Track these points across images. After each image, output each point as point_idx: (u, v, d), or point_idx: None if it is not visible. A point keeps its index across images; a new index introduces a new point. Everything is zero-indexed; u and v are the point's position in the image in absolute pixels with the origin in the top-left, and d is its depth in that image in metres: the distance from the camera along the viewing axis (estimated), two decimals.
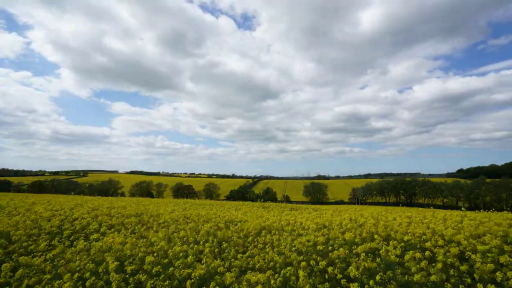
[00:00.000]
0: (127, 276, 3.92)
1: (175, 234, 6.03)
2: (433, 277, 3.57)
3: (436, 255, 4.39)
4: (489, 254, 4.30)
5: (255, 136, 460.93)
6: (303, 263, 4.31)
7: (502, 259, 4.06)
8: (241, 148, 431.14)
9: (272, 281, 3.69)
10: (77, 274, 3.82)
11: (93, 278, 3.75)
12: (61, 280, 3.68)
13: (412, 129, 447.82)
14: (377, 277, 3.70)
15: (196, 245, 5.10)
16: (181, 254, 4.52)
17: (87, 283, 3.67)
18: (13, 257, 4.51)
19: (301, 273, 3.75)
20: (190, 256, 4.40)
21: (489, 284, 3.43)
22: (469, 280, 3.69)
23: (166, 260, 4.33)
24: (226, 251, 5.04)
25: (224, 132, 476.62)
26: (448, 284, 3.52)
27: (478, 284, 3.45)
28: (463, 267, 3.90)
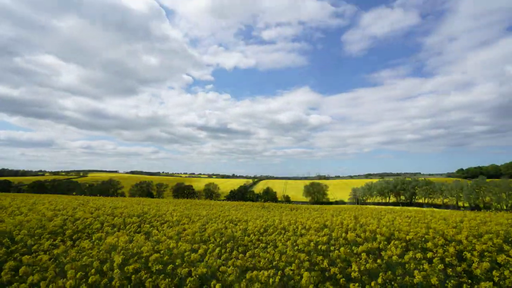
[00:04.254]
0: (129, 274, 3.96)
1: (182, 233, 6.08)
2: (433, 279, 3.58)
3: (437, 254, 4.43)
4: (486, 254, 4.33)
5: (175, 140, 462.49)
6: (306, 263, 4.33)
7: (499, 259, 4.09)
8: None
9: (271, 280, 3.72)
10: (79, 273, 3.85)
11: (97, 276, 3.79)
12: (65, 279, 3.71)
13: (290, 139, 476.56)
14: (379, 280, 3.71)
15: (203, 244, 5.15)
16: (186, 253, 4.56)
17: (90, 280, 3.70)
18: (15, 255, 4.54)
19: (305, 274, 3.77)
20: (195, 254, 4.44)
21: (486, 282, 3.47)
22: (466, 279, 3.72)
23: (166, 258, 4.37)
24: (228, 250, 5.08)
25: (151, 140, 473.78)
26: (448, 284, 3.55)
27: (476, 284, 3.49)
28: (459, 268, 3.93)
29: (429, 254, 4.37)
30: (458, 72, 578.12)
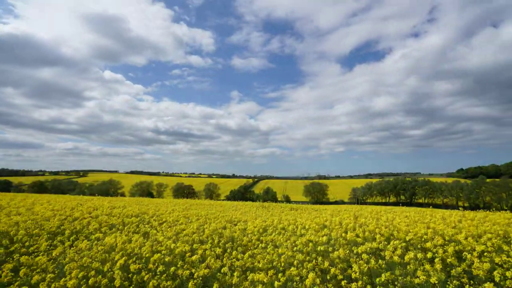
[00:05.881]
0: (130, 275, 3.94)
1: (180, 234, 6.06)
2: (433, 279, 3.57)
3: (436, 255, 4.41)
4: (486, 254, 4.31)
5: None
6: (309, 264, 4.31)
7: (497, 259, 4.07)
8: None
9: (276, 283, 3.69)
10: (82, 272, 3.84)
11: (100, 276, 3.77)
12: (65, 278, 3.70)
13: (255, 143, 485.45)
14: (382, 278, 3.68)
15: (201, 245, 5.13)
16: (188, 254, 4.55)
17: (90, 281, 3.69)
18: (14, 256, 4.52)
19: (311, 275, 3.75)
20: (195, 256, 4.43)
21: (487, 283, 3.45)
22: (466, 280, 3.70)
23: (168, 259, 4.36)
24: (228, 251, 5.06)
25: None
26: (450, 285, 3.54)
27: (476, 284, 3.46)
28: (459, 269, 3.91)
29: (429, 255, 4.36)
30: (353, 90, 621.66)
